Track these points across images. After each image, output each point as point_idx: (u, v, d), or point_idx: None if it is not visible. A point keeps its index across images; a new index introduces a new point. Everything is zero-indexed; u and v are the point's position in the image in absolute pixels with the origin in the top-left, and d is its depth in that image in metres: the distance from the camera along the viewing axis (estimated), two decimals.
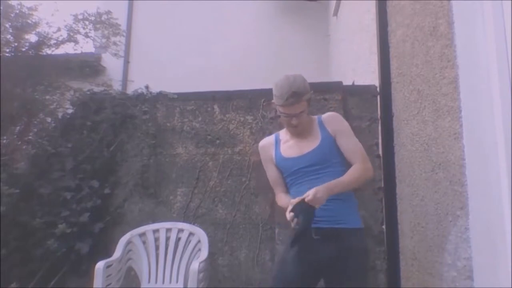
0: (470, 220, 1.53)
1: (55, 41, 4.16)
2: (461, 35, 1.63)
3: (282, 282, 1.87)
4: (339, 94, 3.10)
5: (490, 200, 1.41)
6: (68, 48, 4.38)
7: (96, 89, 3.97)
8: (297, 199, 1.74)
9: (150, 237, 3.00)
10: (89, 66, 5.18)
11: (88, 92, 3.76)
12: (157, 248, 2.98)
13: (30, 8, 4.07)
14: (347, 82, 3.68)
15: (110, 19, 4.43)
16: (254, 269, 3.11)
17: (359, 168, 1.88)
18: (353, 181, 1.86)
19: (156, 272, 2.91)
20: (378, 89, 2.95)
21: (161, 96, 3.57)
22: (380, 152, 2.86)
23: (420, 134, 2.12)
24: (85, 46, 4.56)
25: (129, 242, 2.94)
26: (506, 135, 1.36)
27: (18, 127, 4.01)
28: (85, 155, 3.37)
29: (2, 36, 3.87)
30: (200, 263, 2.62)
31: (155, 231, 3.03)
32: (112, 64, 6.56)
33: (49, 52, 4.18)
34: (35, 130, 3.94)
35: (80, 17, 4.26)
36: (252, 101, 3.39)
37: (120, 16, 5.07)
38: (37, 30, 4.10)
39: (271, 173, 2.10)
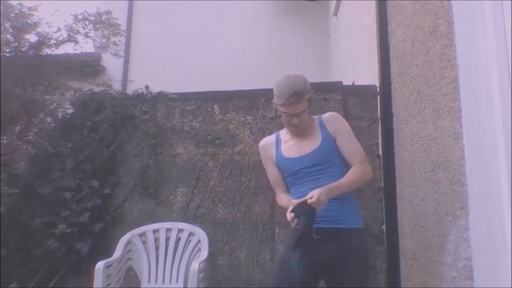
0: (470, 220, 1.54)
1: (55, 41, 4.16)
2: (461, 35, 1.63)
3: (282, 282, 1.88)
4: (339, 94, 3.11)
5: (490, 200, 1.41)
6: (68, 48, 4.39)
7: (96, 89, 3.96)
8: (298, 200, 1.74)
9: (150, 237, 3.00)
10: (89, 66, 5.17)
11: (88, 92, 3.75)
12: (157, 248, 2.98)
13: (30, 8, 4.07)
14: (347, 82, 3.68)
15: (110, 19, 4.43)
16: (254, 269, 3.11)
17: (358, 169, 1.89)
18: (353, 183, 1.87)
19: (156, 272, 2.91)
20: (378, 89, 2.95)
21: (161, 96, 3.57)
22: (380, 152, 2.86)
23: (420, 134, 2.12)
24: (85, 46, 4.57)
25: (129, 242, 2.94)
26: (506, 135, 1.36)
27: (18, 127, 4.01)
28: (85, 155, 3.37)
29: (2, 36, 3.87)
30: (200, 263, 2.62)
31: (155, 231, 3.03)
32: (112, 64, 6.56)
33: (49, 52, 4.18)
34: (35, 130, 3.93)
35: (80, 17, 4.25)
36: (252, 101, 3.39)
37: (120, 16, 5.07)
38: (37, 30, 4.10)
39: (272, 173, 2.10)
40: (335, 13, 6.00)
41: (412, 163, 2.25)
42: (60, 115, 3.85)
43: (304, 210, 1.70)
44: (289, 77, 1.88)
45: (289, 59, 6.50)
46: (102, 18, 4.37)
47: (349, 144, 1.96)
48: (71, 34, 4.22)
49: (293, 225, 1.74)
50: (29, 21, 4.02)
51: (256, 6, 7.48)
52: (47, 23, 4.16)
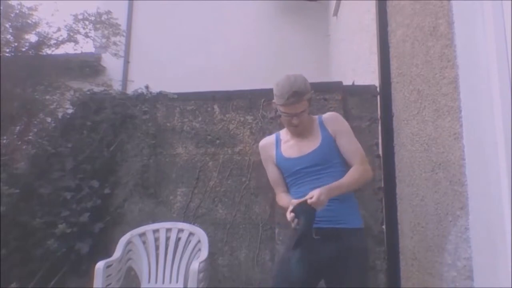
0: (470, 220, 1.54)
1: (55, 41, 4.16)
2: (461, 35, 1.63)
3: (282, 282, 1.87)
4: (339, 94, 3.11)
5: (490, 200, 1.41)
6: (68, 48, 4.38)
7: (96, 89, 3.96)
8: (298, 200, 1.74)
9: (150, 237, 3.00)
10: (89, 66, 5.17)
11: (88, 92, 3.75)
12: (157, 248, 2.98)
13: (30, 8, 4.07)
14: (347, 82, 3.68)
15: (110, 19, 4.43)
16: (254, 269, 3.11)
17: (358, 169, 1.89)
18: (353, 183, 1.87)
19: (156, 272, 2.91)
20: (378, 89, 2.95)
21: (161, 96, 3.57)
22: (380, 152, 2.86)
23: (420, 134, 2.12)
24: (85, 46, 4.57)
25: (129, 242, 2.94)
26: (506, 135, 1.36)
27: (18, 127, 4.01)
28: (85, 155, 3.37)
29: (2, 36, 3.87)
30: (200, 263, 2.62)
31: (155, 231, 3.03)
32: (112, 64, 6.56)
33: (49, 52, 4.18)
34: (35, 130, 3.93)
35: (80, 17, 4.25)
36: (252, 101, 3.39)
37: (120, 16, 5.07)
38: (37, 30, 4.10)
39: (272, 173, 2.10)
40: (335, 13, 6.00)
41: (412, 163, 2.25)
42: (60, 115, 3.85)
43: (304, 210, 1.70)
44: (289, 77, 1.88)
45: (289, 59, 6.50)
46: (102, 18, 4.37)
47: (349, 144, 1.96)
48: (71, 34, 4.22)
49: (293, 225, 1.74)
50: (29, 21, 4.02)
51: (256, 6, 7.48)
52: (47, 23, 4.17)
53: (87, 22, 4.27)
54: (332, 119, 2.02)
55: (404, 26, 2.40)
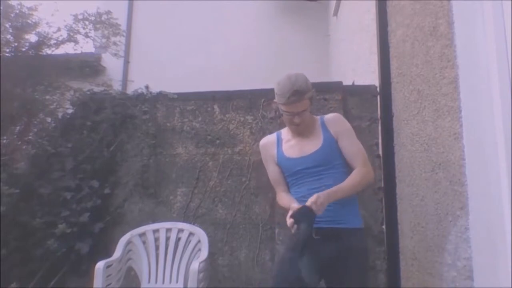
0: (470, 220, 1.53)
1: (55, 41, 4.16)
2: (461, 35, 1.63)
3: (282, 282, 1.87)
4: (339, 94, 3.10)
5: (490, 200, 1.41)
6: (68, 48, 4.39)
7: (96, 89, 3.96)
8: (298, 206, 1.73)
9: (150, 237, 3.00)
10: (89, 66, 5.18)
11: (88, 92, 3.75)
12: (157, 248, 2.98)
13: (30, 8, 4.07)
14: (347, 82, 3.68)
15: (110, 19, 4.43)
16: (254, 269, 3.11)
17: (360, 171, 1.88)
18: (354, 186, 1.86)
19: (156, 272, 2.91)
20: (378, 89, 2.95)
21: (161, 96, 3.57)
22: (380, 152, 2.86)
23: (420, 134, 2.12)
24: (85, 46, 4.57)
25: (129, 242, 2.94)
26: (506, 135, 1.36)
27: (18, 127, 4.01)
28: (85, 155, 3.37)
29: (2, 36, 3.87)
30: (200, 263, 2.62)
31: (155, 231, 3.03)
32: (112, 64, 6.57)
33: (49, 52, 4.18)
34: (35, 130, 3.93)
35: (80, 17, 4.25)
36: (252, 101, 3.39)
37: (120, 16, 5.07)
38: (37, 30, 4.10)
39: (272, 172, 2.09)
40: (335, 13, 6.00)
41: (412, 163, 2.25)
42: (60, 115, 3.85)
43: (303, 215, 1.69)
44: (290, 76, 1.88)
45: (289, 59, 6.50)
46: (102, 18, 4.37)
47: (351, 146, 1.96)
48: (71, 34, 4.22)
49: (292, 231, 1.74)
50: (29, 21, 4.02)
51: (256, 6, 7.48)
52: (47, 23, 4.17)
53: (87, 22, 4.27)
54: (334, 120, 2.02)
55: (404, 26, 2.40)
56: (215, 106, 3.45)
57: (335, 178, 1.87)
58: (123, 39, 5.00)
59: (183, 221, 3.15)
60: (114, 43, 4.54)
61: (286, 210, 1.79)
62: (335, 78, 5.30)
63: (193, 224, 3.15)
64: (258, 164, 3.01)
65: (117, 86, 5.29)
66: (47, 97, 4.07)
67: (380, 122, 2.91)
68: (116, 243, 2.90)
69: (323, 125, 2.00)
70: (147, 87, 3.66)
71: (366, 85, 3.17)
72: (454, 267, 1.67)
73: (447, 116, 1.75)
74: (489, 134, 1.43)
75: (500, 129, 1.38)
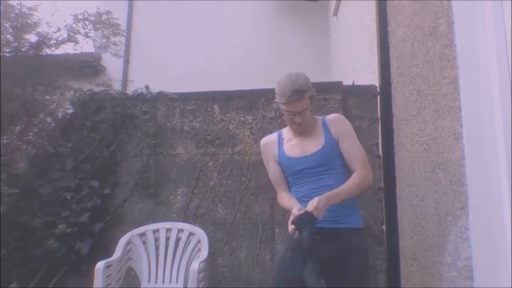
0: (470, 220, 1.54)
1: (55, 41, 4.16)
2: (461, 35, 1.63)
3: (282, 282, 1.87)
4: (339, 94, 3.10)
5: (490, 200, 1.41)
6: (68, 48, 4.39)
7: (96, 89, 3.96)
8: (299, 212, 1.72)
9: (150, 237, 3.00)
10: (89, 66, 5.18)
11: (88, 92, 3.75)
12: (157, 248, 2.98)
13: (30, 8, 4.07)
14: (347, 82, 3.68)
15: (110, 19, 4.43)
16: (254, 269, 3.11)
17: (360, 173, 1.88)
18: (354, 188, 1.86)
19: (156, 272, 2.91)
20: (378, 89, 2.95)
21: (161, 96, 3.57)
22: (380, 152, 2.86)
23: (420, 134, 2.12)
24: (85, 46, 4.57)
25: (129, 242, 2.94)
26: (506, 135, 1.36)
27: (18, 127, 4.01)
28: (85, 155, 3.37)
29: (2, 36, 3.87)
30: (200, 263, 2.62)
31: (155, 231, 3.03)
32: (112, 64, 6.57)
33: (49, 52, 4.18)
34: (35, 130, 3.93)
35: (80, 17, 4.25)
36: (252, 101, 3.39)
37: (120, 16, 5.07)
38: (37, 30, 4.10)
39: (273, 172, 2.08)
40: (335, 13, 6.00)
41: (412, 163, 2.25)
42: (60, 115, 3.85)
43: (305, 221, 1.69)
44: (291, 75, 1.88)
45: (289, 59, 6.50)
46: (102, 18, 4.37)
47: (352, 147, 1.95)
48: (71, 34, 4.22)
49: (294, 237, 1.73)
50: (29, 21, 4.02)
51: (256, 6, 7.48)
52: (47, 23, 4.17)
53: (87, 22, 4.27)
54: (336, 120, 2.02)
55: (404, 26, 2.40)
56: (215, 106, 3.45)
57: (336, 178, 1.87)
58: (123, 39, 5.00)
59: (183, 221, 3.15)
60: (114, 43, 4.54)
61: (286, 210, 1.79)
62: (335, 78, 5.30)
63: (193, 224, 3.15)
64: (258, 164, 3.01)
65: (117, 86, 5.29)
66: (47, 97, 4.07)
67: (380, 122, 2.91)
68: (116, 243, 2.90)
69: (325, 125, 2.00)
70: (147, 87, 3.66)
71: (366, 85, 3.17)
72: (454, 267, 1.67)
73: (447, 116, 1.75)
74: (489, 134, 1.43)
75: (500, 129, 1.38)
